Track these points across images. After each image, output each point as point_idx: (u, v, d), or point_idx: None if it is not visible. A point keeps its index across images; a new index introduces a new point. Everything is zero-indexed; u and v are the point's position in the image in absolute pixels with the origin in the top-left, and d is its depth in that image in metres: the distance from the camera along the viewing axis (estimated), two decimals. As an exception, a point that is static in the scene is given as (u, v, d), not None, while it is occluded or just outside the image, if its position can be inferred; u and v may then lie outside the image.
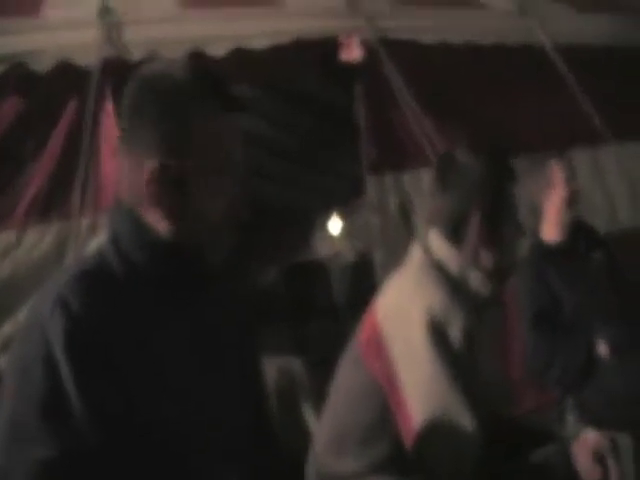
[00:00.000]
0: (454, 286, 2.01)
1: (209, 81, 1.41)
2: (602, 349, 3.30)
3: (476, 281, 2.03)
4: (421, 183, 3.73)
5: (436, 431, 1.88)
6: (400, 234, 3.62)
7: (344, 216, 6.41)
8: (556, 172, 3.47)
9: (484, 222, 2.02)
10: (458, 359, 1.91)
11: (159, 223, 1.39)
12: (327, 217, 6.51)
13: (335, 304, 5.60)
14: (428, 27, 3.89)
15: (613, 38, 4.26)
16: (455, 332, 1.92)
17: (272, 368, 3.28)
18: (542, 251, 3.49)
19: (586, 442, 2.15)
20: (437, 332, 1.91)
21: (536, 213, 3.56)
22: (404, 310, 1.99)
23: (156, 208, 1.38)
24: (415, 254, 2.12)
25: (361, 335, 2.12)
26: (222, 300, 1.57)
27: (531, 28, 4.06)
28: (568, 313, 3.37)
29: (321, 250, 6.38)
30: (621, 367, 3.23)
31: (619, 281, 3.49)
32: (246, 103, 1.45)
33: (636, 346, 3.28)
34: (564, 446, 2.19)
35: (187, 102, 1.37)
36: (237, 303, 1.65)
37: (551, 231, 3.55)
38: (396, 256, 2.26)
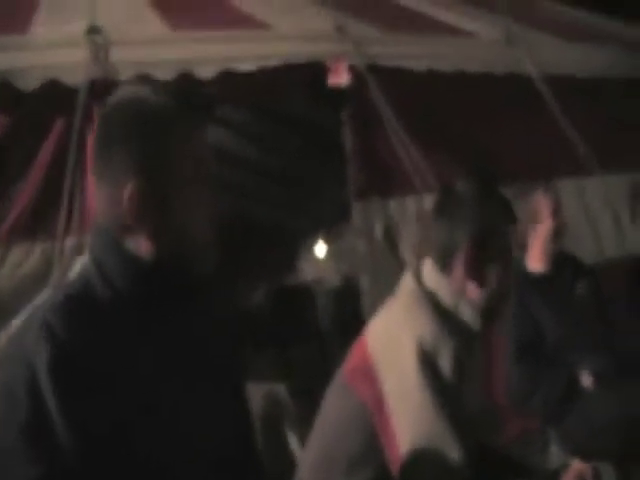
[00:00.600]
0: (445, 317, 2.01)
1: (182, 98, 1.43)
2: (585, 380, 3.31)
3: (467, 314, 2.03)
4: (407, 210, 3.74)
5: (423, 460, 1.87)
6: (386, 260, 3.61)
7: (330, 240, 6.41)
8: (542, 203, 3.49)
9: (476, 255, 2.02)
10: (447, 389, 1.91)
11: (140, 243, 1.39)
12: (313, 240, 6.50)
13: (320, 329, 5.59)
14: (416, 54, 3.91)
15: (601, 69, 4.30)
16: (445, 362, 1.92)
17: (257, 394, 3.26)
18: (527, 281, 3.49)
19: (571, 472, 2.16)
20: (427, 362, 1.91)
21: (521, 243, 3.57)
22: (395, 339, 1.99)
23: (139, 228, 1.38)
24: (406, 283, 2.11)
25: (350, 363, 2.11)
26: (212, 310, 1.58)
27: (519, 57, 4.09)
28: (552, 343, 3.38)
29: (307, 274, 6.37)
30: (604, 397, 3.23)
31: (604, 312, 3.51)
32: (226, 121, 1.48)
33: (619, 376, 3.28)
34: (548, 477, 2.19)
35: (161, 121, 1.39)
36: (228, 313, 1.65)
37: (536, 261, 3.56)
38: (381, 282, 2.26)
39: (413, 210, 3.72)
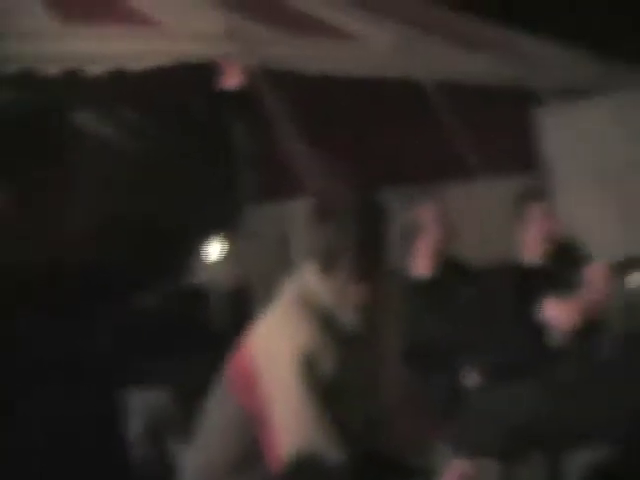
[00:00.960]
0: (327, 320, 2.03)
1: (45, 96, 1.39)
2: (471, 380, 3.37)
3: (350, 317, 2.04)
4: (298, 213, 3.74)
5: (303, 463, 1.88)
6: (278, 263, 3.61)
7: (223, 243, 6.38)
8: (428, 209, 3.53)
9: (357, 257, 2.03)
10: (329, 393, 1.93)
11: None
12: (206, 243, 6.44)
13: (212, 332, 5.54)
14: (310, 57, 3.92)
15: (491, 77, 4.39)
16: (326, 367, 1.95)
17: (142, 401, 3.21)
18: (412, 286, 3.53)
19: (454, 471, 2.20)
20: (307, 367, 1.93)
21: (407, 247, 3.60)
22: (276, 345, 2.00)
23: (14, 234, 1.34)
24: (288, 287, 2.12)
25: (233, 368, 2.10)
26: (98, 313, 1.53)
27: (410, 63, 4.14)
28: (438, 346, 3.43)
29: (200, 276, 6.31)
30: (488, 396, 3.31)
31: (489, 315, 3.58)
32: (116, 119, 1.45)
33: (503, 377, 3.36)
34: (431, 477, 2.23)
35: (17, 124, 1.35)
36: (114, 317, 1.61)
37: (422, 266, 3.59)
38: (273, 285, 2.25)
39: (304, 213, 3.73)
